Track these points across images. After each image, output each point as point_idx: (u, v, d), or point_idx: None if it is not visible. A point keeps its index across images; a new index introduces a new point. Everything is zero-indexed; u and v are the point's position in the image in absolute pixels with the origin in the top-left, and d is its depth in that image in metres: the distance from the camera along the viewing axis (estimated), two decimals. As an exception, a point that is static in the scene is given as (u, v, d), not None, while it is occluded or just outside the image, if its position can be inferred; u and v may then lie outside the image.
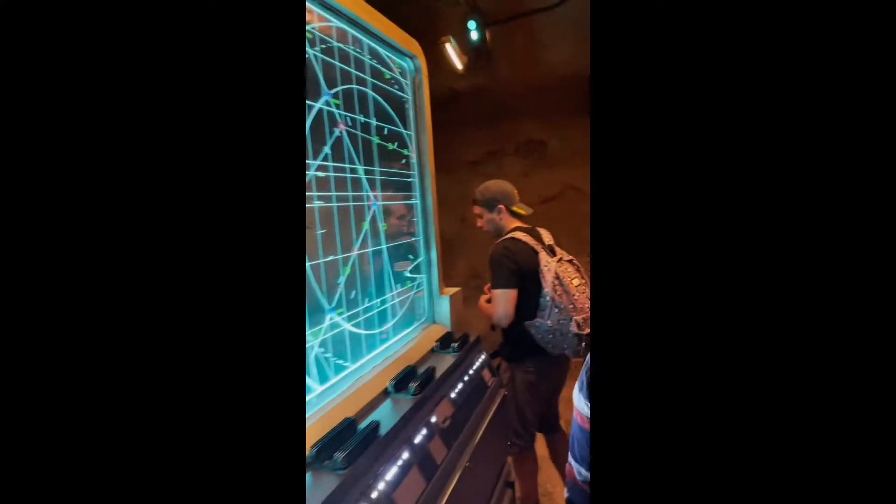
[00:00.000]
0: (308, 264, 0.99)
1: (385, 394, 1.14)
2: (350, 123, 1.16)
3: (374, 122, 1.27)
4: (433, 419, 1.13)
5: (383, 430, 0.97)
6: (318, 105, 1.04)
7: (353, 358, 1.14)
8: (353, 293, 1.15)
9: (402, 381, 1.16)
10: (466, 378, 1.40)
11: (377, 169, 1.28)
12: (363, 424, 0.96)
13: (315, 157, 1.03)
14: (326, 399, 1.03)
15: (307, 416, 0.95)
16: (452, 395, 1.28)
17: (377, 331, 1.26)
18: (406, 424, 1.05)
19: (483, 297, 1.74)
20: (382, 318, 1.29)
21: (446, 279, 1.77)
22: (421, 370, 1.24)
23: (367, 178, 1.22)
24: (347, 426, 0.93)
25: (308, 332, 0.98)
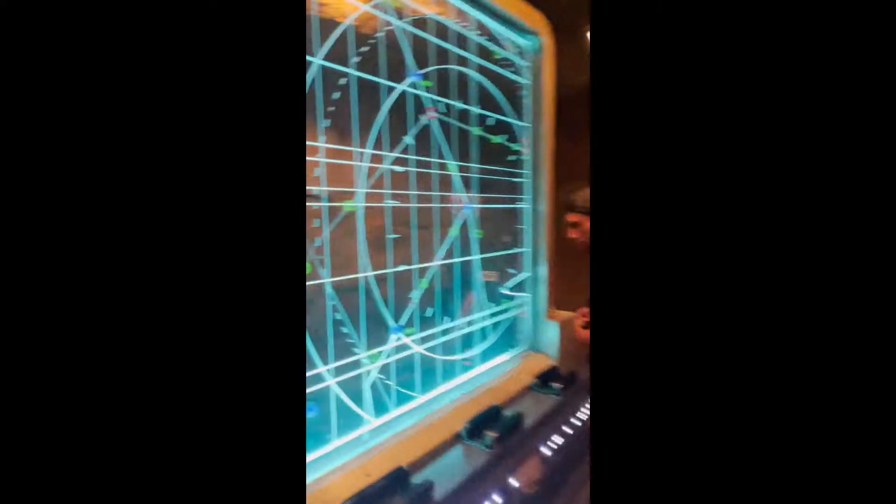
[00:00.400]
0: (370, 275, 0.83)
1: (457, 438, 0.94)
2: (443, 110, 0.98)
3: (475, 109, 1.07)
4: (514, 482, 0.90)
5: (442, 492, 0.77)
6: (401, 87, 0.88)
7: (423, 388, 0.96)
8: (431, 310, 0.97)
9: (479, 425, 0.95)
10: (569, 428, 1.12)
11: (475, 165, 1.08)
12: (417, 479, 0.78)
13: (392, 149, 0.87)
14: (382, 436, 0.86)
15: (354, 454, 0.80)
16: (546, 450, 1.02)
17: (458, 357, 1.06)
18: (476, 485, 0.84)
19: (578, 321, 1.42)
20: (468, 342, 1.09)
21: (568, 299, 1.48)
22: (508, 412, 1.01)
23: (459, 176, 1.03)
24: (395, 479, 0.75)
25: (365, 353, 0.83)
